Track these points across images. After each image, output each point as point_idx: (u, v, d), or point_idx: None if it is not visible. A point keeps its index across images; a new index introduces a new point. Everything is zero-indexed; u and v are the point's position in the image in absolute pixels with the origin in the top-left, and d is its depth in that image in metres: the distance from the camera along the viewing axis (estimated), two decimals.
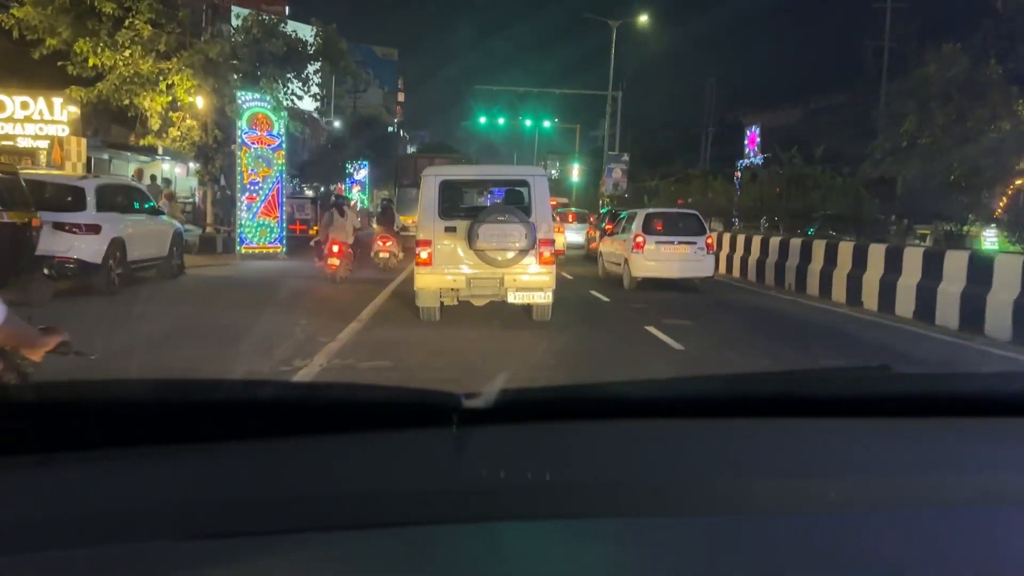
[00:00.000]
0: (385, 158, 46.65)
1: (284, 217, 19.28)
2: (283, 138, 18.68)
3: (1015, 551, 0.88)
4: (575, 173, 52.57)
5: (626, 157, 42.42)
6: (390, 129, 64.26)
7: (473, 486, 0.94)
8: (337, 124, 51.19)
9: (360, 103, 63.17)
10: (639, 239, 14.41)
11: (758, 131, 45.61)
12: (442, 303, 9.48)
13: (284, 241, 19.22)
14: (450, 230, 9.13)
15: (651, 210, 15.73)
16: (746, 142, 46.62)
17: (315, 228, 22.17)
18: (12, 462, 0.94)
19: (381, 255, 16.02)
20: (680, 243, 14.46)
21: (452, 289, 9.26)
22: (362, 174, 44.95)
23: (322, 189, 44.35)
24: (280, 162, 18.78)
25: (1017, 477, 1.05)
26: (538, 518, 0.89)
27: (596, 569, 0.82)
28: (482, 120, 44.70)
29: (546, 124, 48.03)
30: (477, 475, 0.96)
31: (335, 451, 1.02)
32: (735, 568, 0.82)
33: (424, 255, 9.15)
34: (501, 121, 45.23)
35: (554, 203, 14.62)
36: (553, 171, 60.22)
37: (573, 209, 33.84)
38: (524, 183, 9.76)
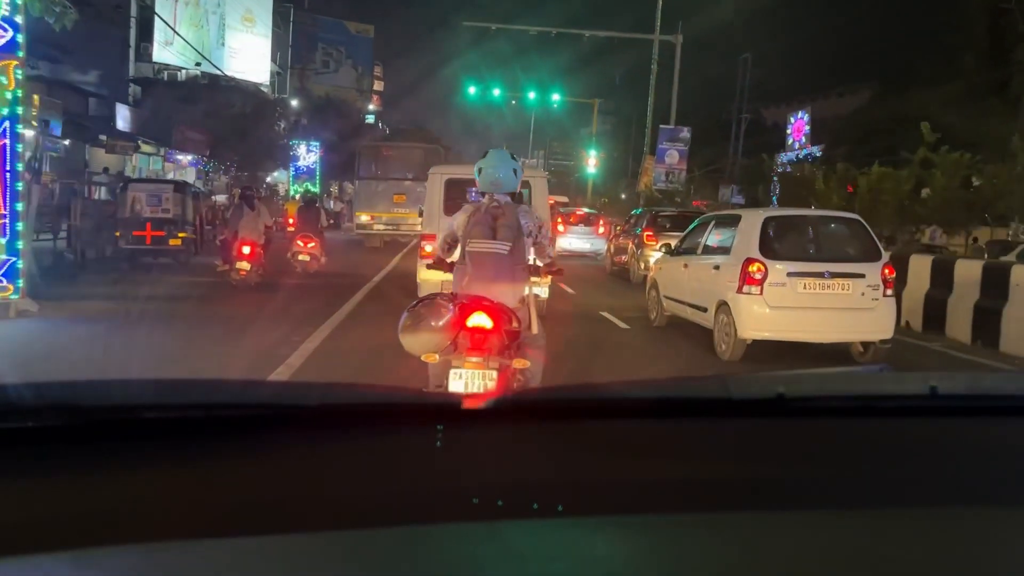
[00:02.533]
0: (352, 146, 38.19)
1: (20, 218, 8.40)
2: (18, 32, 8.16)
3: (1017, 551, 0.87)
4: (591, 162, 42.07)
5: (686, 132, 31.16)
6: (368, 119, 54.02)
7: (473, 486, 0.94)
8: (295, 103, 42.08)
9: (327, 83, 53.94)
10: (755, 268, 7.51)
11: (807, 118, 38.40)
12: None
13: (18, 274, 8.41)
14: None
15: (774, 212, 8.65)
16: (789, 132, 39.52)
17: (183, 236, 14.69)
18: (10, 461, 0.93)
19: (300, 256, 13.69)
20: (834, 275, 7.54)
21: None
22: (312, 159, 34.98)
23: (275, 176, 35.17)
24: (11, 88, 8.14)
25: (1019, 477, 1.04)
26: (538, 517, 0.88)
27: (597, 567, 0.82)
28: (471, 91, 33.72)
29: (555, 99, 36.79)
30: (476, 475, 0.97)
31: (335, 451, 1.01)
32: (735, 566, 0.82)
33: (429, 248, 9.34)
34: (497, 93, 34.29)
35: (552, 201, 13.10)
36: (541, 161, 51.74)
37: (586, 209, 26.56)
38: (525, 183, 8.92)
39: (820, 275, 7.49)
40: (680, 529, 0.87)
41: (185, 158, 33.98)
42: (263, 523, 0.83)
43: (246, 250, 11.15)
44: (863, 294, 7.53)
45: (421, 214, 10.64)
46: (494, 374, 3.60)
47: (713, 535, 0.86)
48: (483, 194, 4.35)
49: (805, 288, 7.50)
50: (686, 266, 8.99)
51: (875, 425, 1.16)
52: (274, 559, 0.79)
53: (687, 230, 9.81)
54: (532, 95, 36.19)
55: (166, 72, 37.06)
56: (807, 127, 37.96)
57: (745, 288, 7.51)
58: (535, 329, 4.00)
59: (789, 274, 7.48)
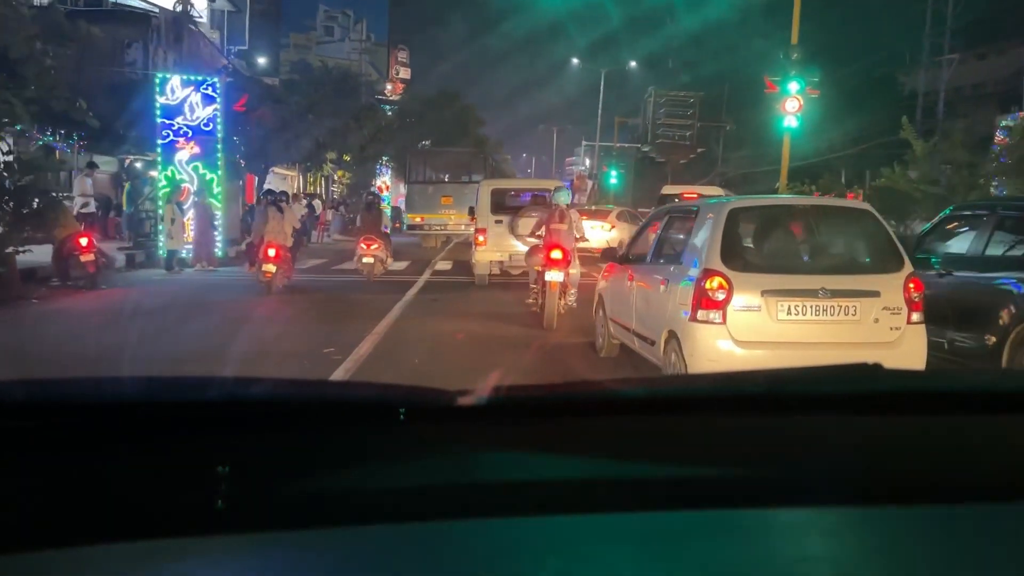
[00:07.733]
0: (359, 133, 26.87)
1: None
2: None
3: (1014, 548, 0.87)
4: (790, 107, 18.26)
5: None
6: (389, 111, 41.88)
7: (466, 483, 0.94)
8: (263, 61, 32.90)
9: (331, 54, 42.27)
10: (714, 284, 5.04)
11: None
12: (491, 272, 13.38)
13: None
14: (498, 222, 12.95)
15: (745, 203, 6.01)
16: None
17: None
18: (5, 461, 0.93)
19: (365, 260, 13.28)
20: (834, 294, 5.03)
21: (498, 262, 13.35)
22: (204, 115, 16.81)
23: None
24: None
25: (1014, 473, 1.03)
26: (532, 515, 0.89)
27: (592, 565, 0.82)
28: None
29: None
30: (470, 474, 0.96)
31: (327, 448, 1.01)
32: (730, 563, 0.82)
33: (481, 239, 13.23)
34: None
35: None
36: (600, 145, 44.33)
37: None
38: (548, 191, 11.85)
39: (812, 293, 4.99)
40: (677, 527, 0.88)
41: None
42: (258, 521, 0.84)
43: (272, 253, 11.43)
44: (878, 321, 5.00)
45: (471, 212, 14.08)
46: (562, 275, 8.56)
47: (710, 533, 0.87)
48: (552, 203, 9.32)
49: (790, 313, 5.01)
50: (631, 279, 6.52)
51: (873, 421, 1.15)
52: (268, 557, 0.80)
53: (640, 227, 7.36)
54: None
55: (18, 2, 24.18)
56: None
57: (700, 314, 5.05)
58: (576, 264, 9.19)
59: (765, 293, 5.00)
